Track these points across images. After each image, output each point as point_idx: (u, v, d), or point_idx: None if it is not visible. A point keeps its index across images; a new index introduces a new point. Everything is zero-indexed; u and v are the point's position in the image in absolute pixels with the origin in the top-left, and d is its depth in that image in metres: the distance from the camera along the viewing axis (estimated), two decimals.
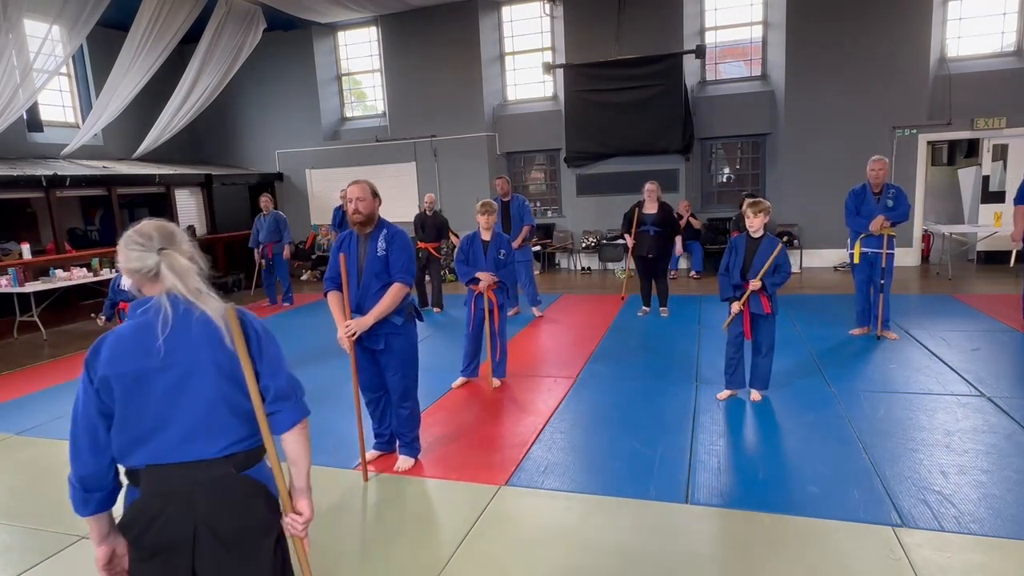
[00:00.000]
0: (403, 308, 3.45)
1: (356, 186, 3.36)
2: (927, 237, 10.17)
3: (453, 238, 10.47)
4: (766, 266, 4.11)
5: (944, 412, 4.11)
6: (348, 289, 3.36)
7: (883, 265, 5.67)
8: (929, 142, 9.60)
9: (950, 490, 3.14)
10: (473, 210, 5.19)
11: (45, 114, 9.97)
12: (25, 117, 9.33)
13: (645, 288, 7.22)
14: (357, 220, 3.35)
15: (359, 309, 3.38)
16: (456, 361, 5.33)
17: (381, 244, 3.37)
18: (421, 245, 8.06)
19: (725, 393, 4.53)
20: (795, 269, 9.84)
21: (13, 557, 3.01)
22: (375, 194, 3.39)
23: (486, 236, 5.04)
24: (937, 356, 5.25)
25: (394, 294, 3.33)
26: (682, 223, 9.82)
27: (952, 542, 2.73)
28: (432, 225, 8.04)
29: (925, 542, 2.73)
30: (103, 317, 4.98)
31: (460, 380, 5.11)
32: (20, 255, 8.46)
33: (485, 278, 4.90)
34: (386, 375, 3.57)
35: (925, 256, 10.16)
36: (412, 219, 8.36)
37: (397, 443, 3.81)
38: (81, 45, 9.88)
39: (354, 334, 3.30)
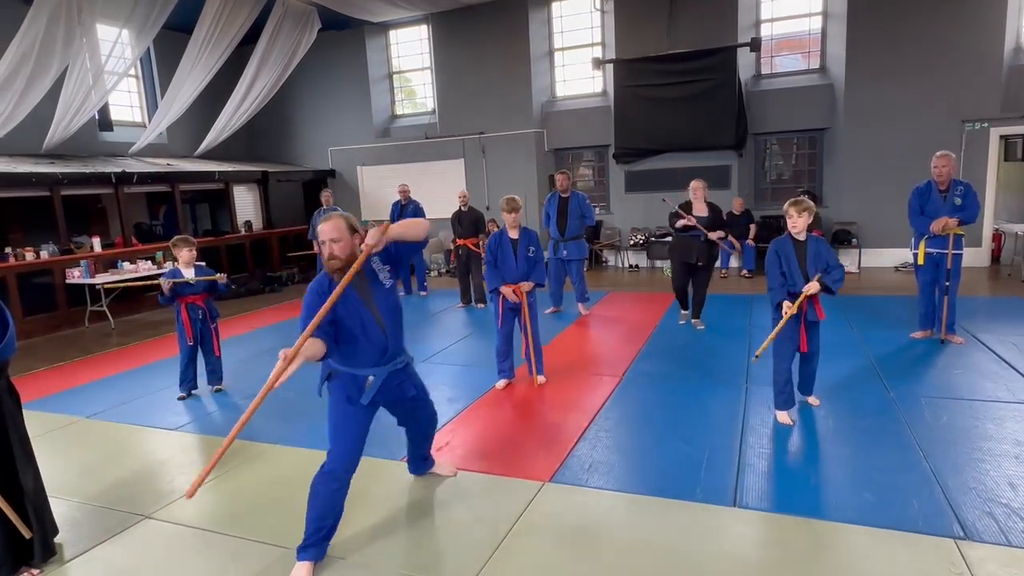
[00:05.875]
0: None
1: (328, 224, 2.72)
2: (998, 237, 9.63)
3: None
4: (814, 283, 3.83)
5: (1014, 421, 3.89)
6: (366, 342, 2.83)
7: (949, 266, 5.40)
8: (1002, 136, 9.08)
9: (1019, 503, 2.97)
10: (522, 207, 5.14)
11: (115, 114, 10.47)
12: (96, 117, 9.84)
13: (677, 290, 6.61)
14: (335, 267, 2.71)
15: (393, 357, 2.92)
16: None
17: (383, 271, 2.87)
18: (459, 242, 8.11)
19: (786, 417, 4.04)
20: (854, 269, 9.49)
21: (83, 532, 3.18)
22: (354, 229, 2.78)
23: (513, 234, 4.94)
24: (1007, 362, 4.97)
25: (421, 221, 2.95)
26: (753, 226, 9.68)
27: (1021, 559, 2.59)
28: (468, 221, 8.09)
29: (990, 557, 2.60)
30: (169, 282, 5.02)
31: (503, 382, 5.01)
32: (91, 248, 8.93)
33: (507, 292, 4.84)
34: (417, 413, 3.26)
35: (996, 257, 9.64)
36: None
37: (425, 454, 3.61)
38: (148, 48, 10.34)
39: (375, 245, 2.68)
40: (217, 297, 5.23)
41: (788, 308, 3.87)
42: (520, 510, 3.16)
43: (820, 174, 10.23)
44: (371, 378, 2.86)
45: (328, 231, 2.71)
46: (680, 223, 6.20)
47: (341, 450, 2.83)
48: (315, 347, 2.57)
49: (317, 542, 2.79)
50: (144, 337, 7.66)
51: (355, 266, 2.64)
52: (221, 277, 5.17)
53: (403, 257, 2.98)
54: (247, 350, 6.60)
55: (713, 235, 6.15)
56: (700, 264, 6.32)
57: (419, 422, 3.34)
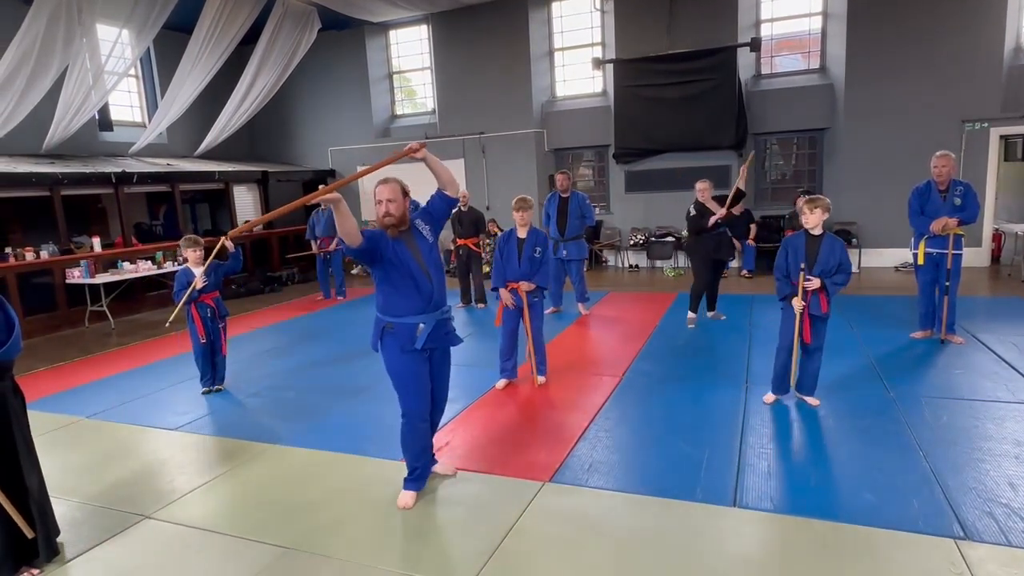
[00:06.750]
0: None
1: (386, 186, 3.07)
2: (998, 236, 9.64)
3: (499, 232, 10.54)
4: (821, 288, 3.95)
5: (1014, 421, 3.90)
6: (416, 292, 3.12)
7: (949, 266, 5.41)
8: (1002, 136, 9.09)
9: (1019, 503, 2.97)
10: (533, 207, 5.13)
11: (115, 114, 10.46)
12: (97, 117, 9.83)
13: (699, 293, 6.59)
14: (389, 223, 3.08)
15: (438, 306, 3.20)
16: (497, 358, 5.30)
17: (425, 229, 3.22)
18: (460, 242, 8.11)
19: (771, 397, 4.39)
20: (854, 269, 9.46)
21: (82, 532, 3.18)
22: (405, 192, 3.14)
23: (522, 233, 4.95)
24: (1007, 362, 4.97)
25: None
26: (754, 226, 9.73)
27: (1021, 559, 2.59)
28: (468, 221, 8.08)
29: (990, 557, 2.60)
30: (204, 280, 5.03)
31: (503, 382, 5.03)
32: (91, 248, 8.93)
33: (505, 296, 4.85)
34: (436, 382, 3.35)
35: (996, 256, 9.64)
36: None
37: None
38: (148, 48, 10.33)
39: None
40: (234, 273, 5.24)
41: (797, 304, 4.05)
42: (520, 510, 3.16)
43: (820, 174, 10.22)
44: (421, 326, 3.14)
45: (385, 192, 3.06)
46: (712, 220, 6.31)
47: (409, 397, 3.21)
48: (353, 222, 2.96)
49: (416, 477, 3.31)
50: (144, 337, 7.66)
51: (399, 154, 3.15)
52: (228, 246, 4.97)
53: (440, 217, 3.34)
54: (247, 350, 6.60)
55: (737, 209, 6.44)
56: (729, 258, 6.59)
57: (440, 380, 3.39)
